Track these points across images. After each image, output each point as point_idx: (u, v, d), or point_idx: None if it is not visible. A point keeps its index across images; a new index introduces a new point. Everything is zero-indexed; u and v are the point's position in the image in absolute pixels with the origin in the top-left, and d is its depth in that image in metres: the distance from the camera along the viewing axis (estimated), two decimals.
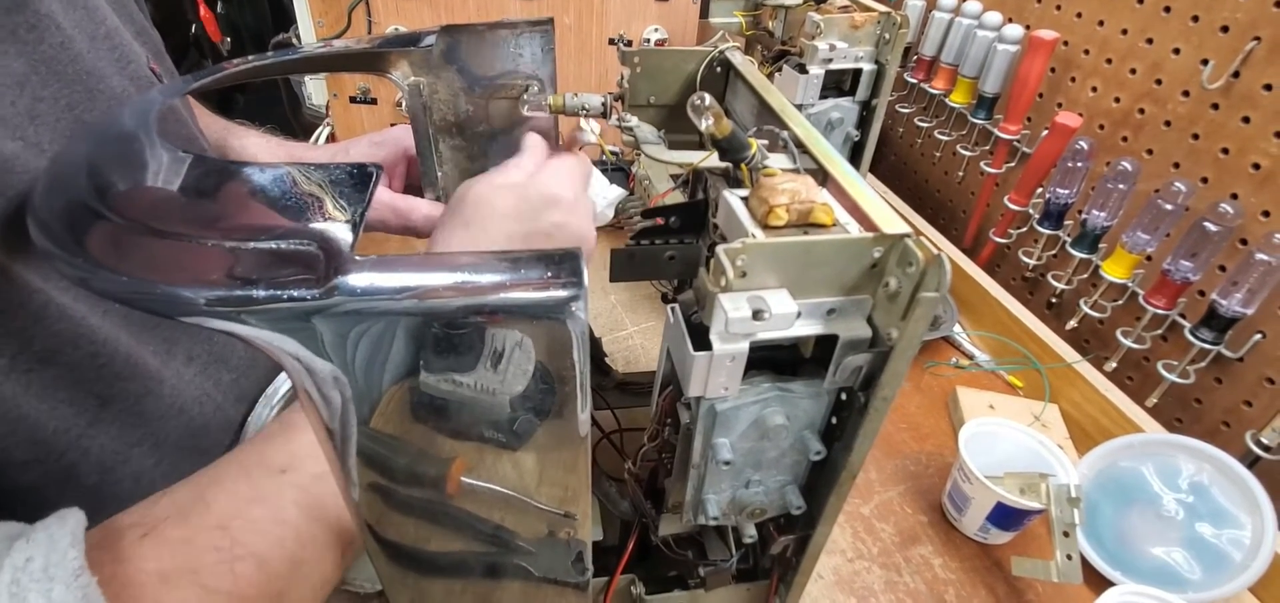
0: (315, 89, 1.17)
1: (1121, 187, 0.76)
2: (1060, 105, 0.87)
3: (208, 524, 0.29)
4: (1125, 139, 0.79)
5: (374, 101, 1.01)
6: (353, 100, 1.01)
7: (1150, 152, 0.77)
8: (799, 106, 0.62)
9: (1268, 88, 0.65)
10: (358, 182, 0.26)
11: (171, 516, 0.28)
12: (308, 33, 0.96)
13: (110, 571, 0.26)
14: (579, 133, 0.46)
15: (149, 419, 0.38)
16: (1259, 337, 0.67)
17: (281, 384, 0.49)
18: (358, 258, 0.22)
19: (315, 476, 0.31)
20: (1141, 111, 0.77)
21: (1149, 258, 0.75)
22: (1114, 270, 0.77)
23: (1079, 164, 0.80)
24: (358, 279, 0.21)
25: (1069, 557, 0.53)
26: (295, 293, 0.21)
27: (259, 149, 0.58)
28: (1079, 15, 0.83)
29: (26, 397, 0.32)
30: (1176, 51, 0.73)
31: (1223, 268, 0.70)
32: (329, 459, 0.26)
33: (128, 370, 0.37)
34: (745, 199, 0.34)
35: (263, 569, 0.29)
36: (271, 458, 0.31)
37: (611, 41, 1.03)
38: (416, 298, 0.21)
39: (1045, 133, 0.84)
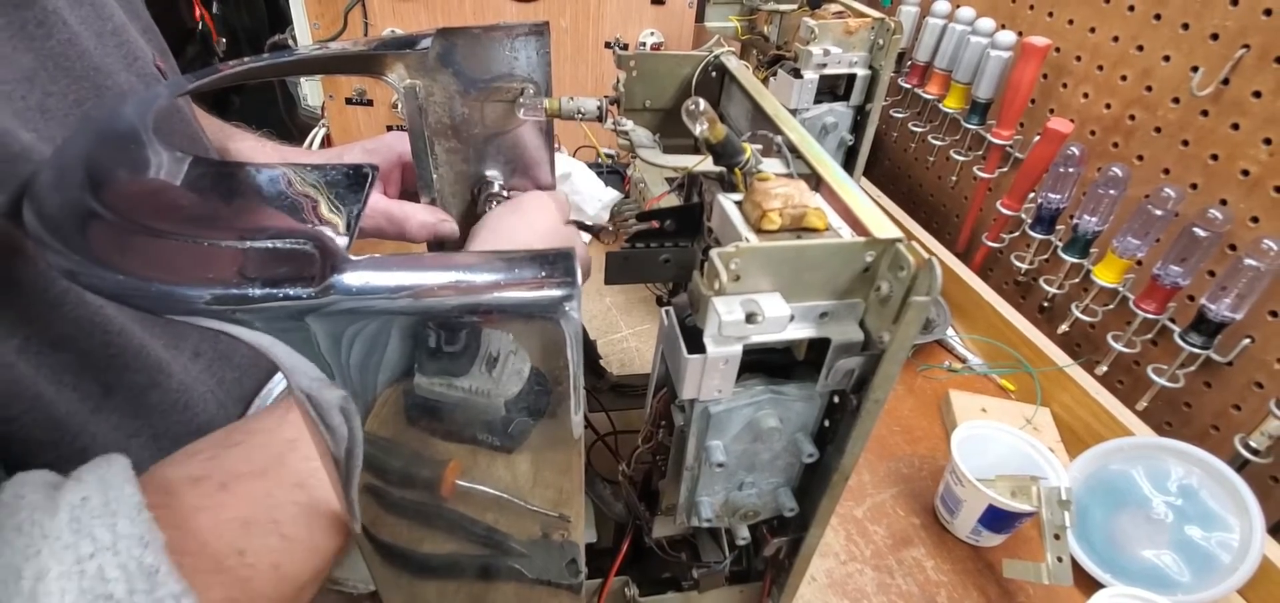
0: (311, 90, 1.17)
1: (1112, 192, 0.76)
2: (1052, 111, 0.88)
3: (286, 481, 0.30)
4: (1116, 145, 0.80)
5: (370, 103, 1.01)
6: (349, 102, 1.01)
7: (1141, 157, 0.78)
8: (793, 111, 0.62)
9: (1257, 95, 0.66)
10: (353, 183, 0.26)
11: (250, 471, 0.30)
12: (304, 34, 0.96)
13: (175, 515, 0.26)
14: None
15: (152, 412, 0.38)
16: (1248, 341, 0.68)
17: (276, 386, 0.49)
18: (353, 257, 0.22)
19: None
20: (1132, 118, 0.78)
21: (1139, 263, 0.76)
22: (1105, 275, 0.77)
23: (1070, 169, 0.81)
24: (353, 278, 0.21)
25: (1060, 559, 0.53)
26: (291, 291, 0.21)
27: (256, 153, 0.58)
28: (1071, 22, 0.84)
29: (38, 378, 0.32)
30: (1167, 59, 0.74)
31: (1212, 273, 0.71)
32: (322, 461, 0.26)
33: (137, 362, 0.37)
34: (739, 203, 0.34)
35: (337, 522, 0.31)
36: None
37: (608, 45, 1.04)
38: (412, 297, 0.22)
39: (1037, 138, 0.85)
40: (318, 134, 1.07)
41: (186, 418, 0.40)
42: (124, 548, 0.23)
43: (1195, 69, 0.71)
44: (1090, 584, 0.58)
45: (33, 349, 0.32)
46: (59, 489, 0.24)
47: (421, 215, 0.49)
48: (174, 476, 0.29)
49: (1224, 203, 0.70)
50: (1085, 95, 0.83)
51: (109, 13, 0.40)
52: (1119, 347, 0.77)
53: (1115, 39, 0.79)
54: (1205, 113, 0.70)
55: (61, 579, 0.22)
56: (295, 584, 0.30)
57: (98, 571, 0.22)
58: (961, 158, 1.01)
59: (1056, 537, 0.54)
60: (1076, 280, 0.84)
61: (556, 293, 0.22)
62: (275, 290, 0.20)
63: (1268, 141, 0.65)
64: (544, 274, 0.22)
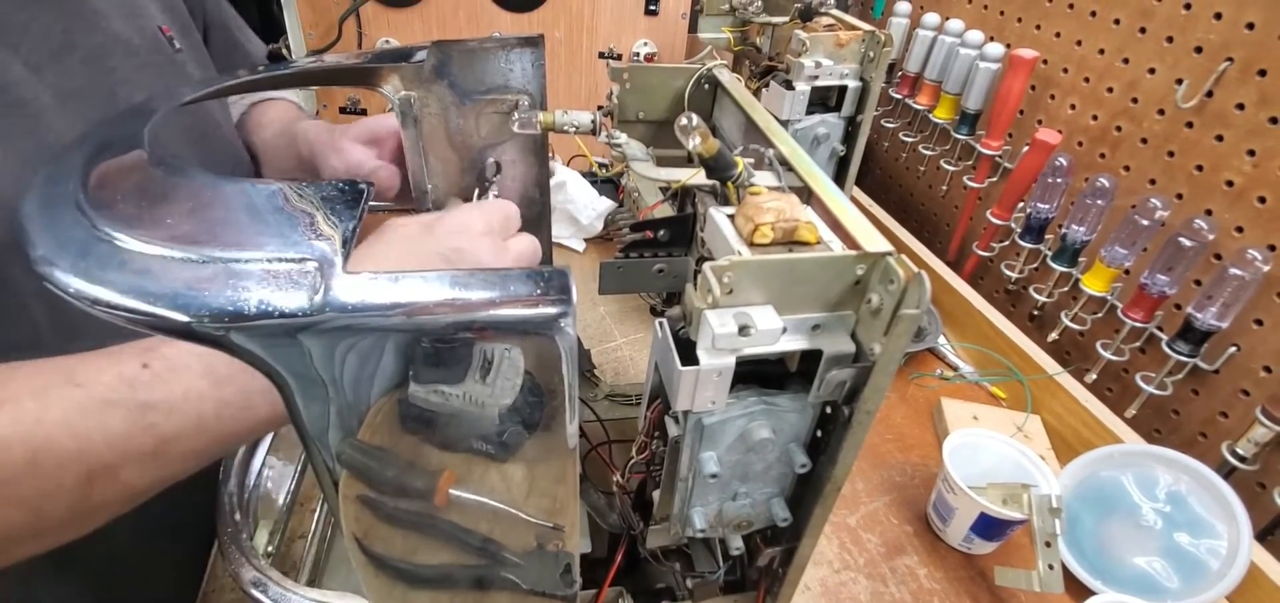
0: (304, 98, 1.17)
1: (1099, 202, 0.77)
2: (1040, 122, 0.89)
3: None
4: (1103, 156, 0.81)
5: (364, 111, 1.01)
6: (342, 110, 1.01)
7: (1127, 168, 0.79)
8: (785, 122, 0.63)
9: (1240, 107, 0.67)
10: (350, 198, 0.26)
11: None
12: (298, 43, 0.96)
13: None
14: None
15: None
16: (1234, 350, 0.69)
17: None
18: (347, 273, 0.22)
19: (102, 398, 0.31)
20: (1119, 129, 0.79)
21: (1127, 272, 0.77)
22: (1093, 284, 0.78)
23: (1058, 180, 0.82)
24: (348, 295, 0.21)
25: (1051, 566, 0.54)
26: (286, 309, 0.21)
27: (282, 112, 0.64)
28: (1058, 35, 0.85)
29: None
30: (1152, 71, 0.75)
31: (1198, 282, 0.72)
32: (314, 469, 0.26)
33: None
34: (732, 217, 0.34)
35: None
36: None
37: (602, 55, 1.04)
38: (406, 313, 0.22)
39: (1026, 149, 0.86)
40: None
41: None
42: None
43: (1180, 81, 0.72)
44: (1081, 591, 0.59)
45: None
46: None
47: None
48: None
49: (1209, 213, 0.71)
50: (1072, 107, 0.84)
51: None
52: (1108, 355, 0.77)
53: (1101, 52, 0.80)
54: (1190, 124, 0.72)
55: None
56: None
57: None
58: (951, 167, 1.02)
59: (1047, 544, 0.54)
60: (1065, 289, 0.84)
61: (551, 310, 0.22)
62: (270, 307, 0.21)
63: (1251, 153, 0.67)
64: (539, 291, 0.22)
